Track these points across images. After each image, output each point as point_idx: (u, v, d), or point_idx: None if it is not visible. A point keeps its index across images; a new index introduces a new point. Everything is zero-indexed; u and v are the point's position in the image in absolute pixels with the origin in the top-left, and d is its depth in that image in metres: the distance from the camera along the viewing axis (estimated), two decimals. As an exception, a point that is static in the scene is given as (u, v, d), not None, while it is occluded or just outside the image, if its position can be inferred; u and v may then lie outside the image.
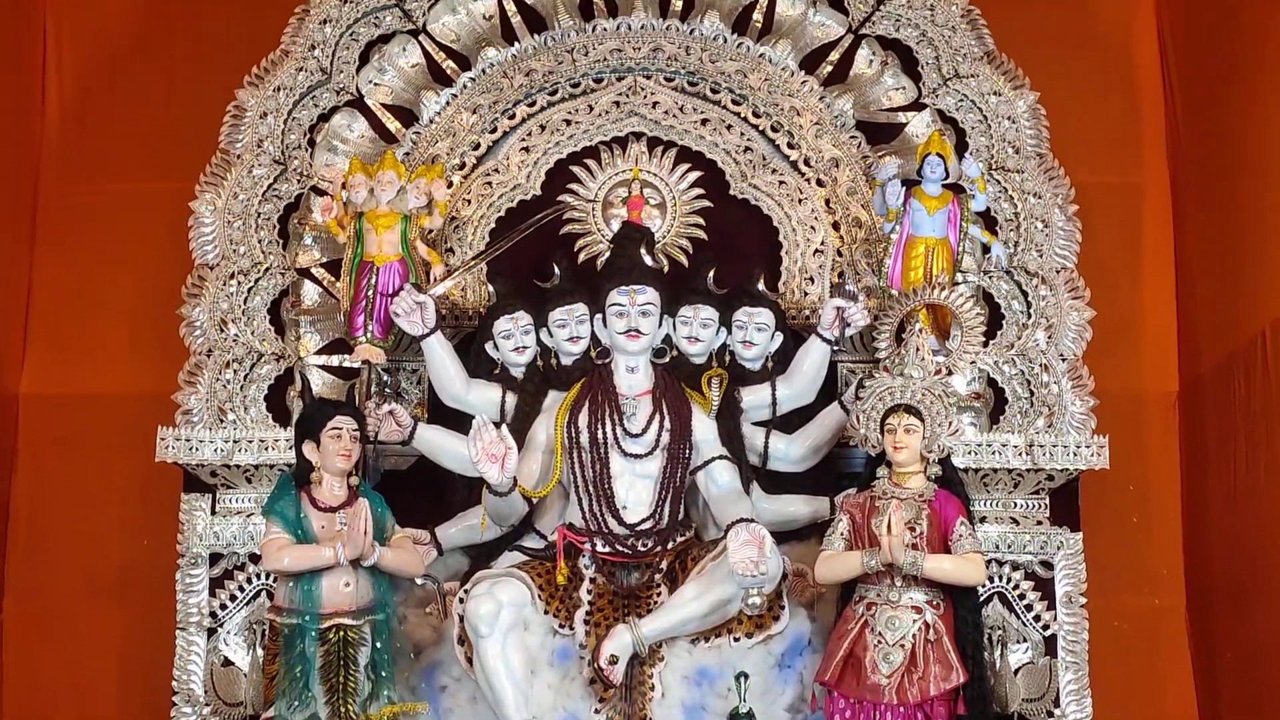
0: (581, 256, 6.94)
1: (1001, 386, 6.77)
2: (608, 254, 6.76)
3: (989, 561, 6.41)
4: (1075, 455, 6.52)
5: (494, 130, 7.04)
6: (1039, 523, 6.62)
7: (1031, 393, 6.73)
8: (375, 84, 7.06)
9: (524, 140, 7.02)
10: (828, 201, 6.95)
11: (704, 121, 7.01)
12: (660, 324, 6.46)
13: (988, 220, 6.81)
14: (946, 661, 5.84)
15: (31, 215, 7.63)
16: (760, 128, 7.01)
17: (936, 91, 6.99)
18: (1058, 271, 6.81)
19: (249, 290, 6.85)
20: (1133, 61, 7.62)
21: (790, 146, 7.00)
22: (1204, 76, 7.32)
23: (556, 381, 6.51)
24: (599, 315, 6.47)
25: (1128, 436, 7.09)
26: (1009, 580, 6.60)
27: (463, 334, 6.86)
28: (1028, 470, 6.52)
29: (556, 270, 6.70)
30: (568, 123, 7.03)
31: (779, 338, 6.62)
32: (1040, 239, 6.84)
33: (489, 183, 6.99)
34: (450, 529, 6.52)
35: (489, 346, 6.61)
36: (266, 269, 6.88)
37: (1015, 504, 6.62)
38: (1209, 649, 7.22)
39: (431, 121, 7.02)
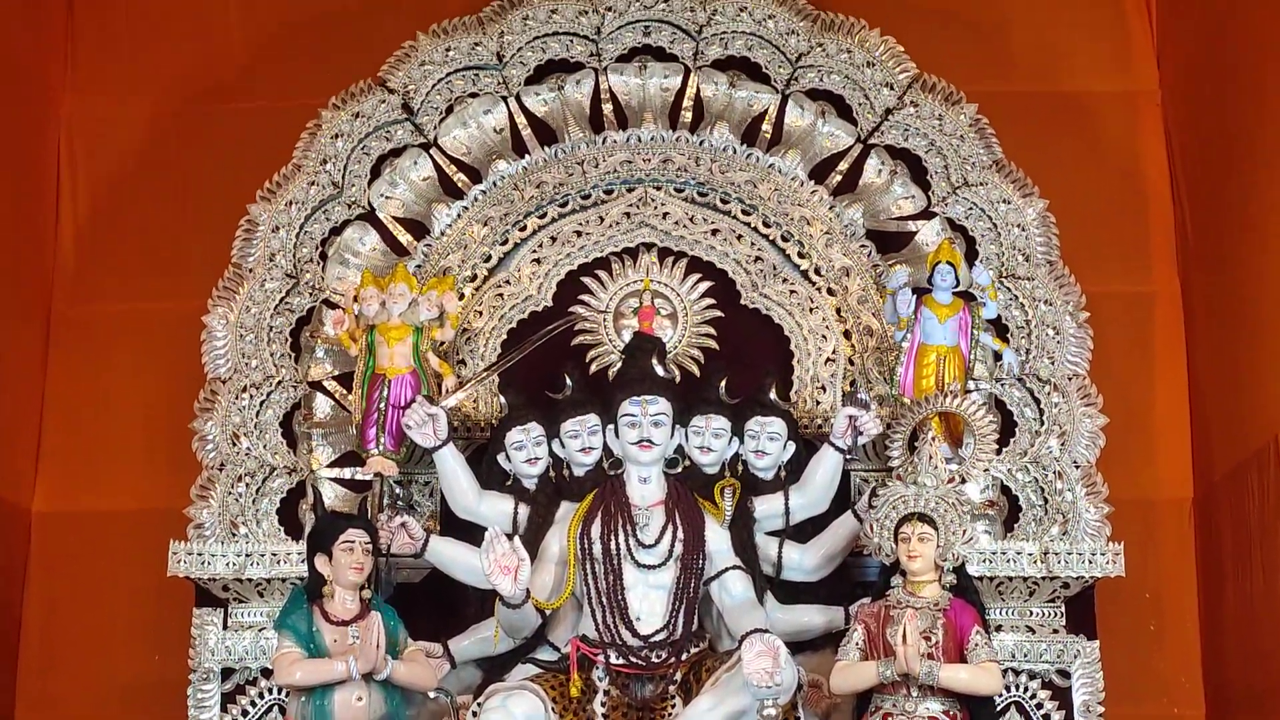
0: (593, 367, 6.95)
1: (1015, 494, 6.76)
2: (619, 365, 6.78)
3: (1005, 670, 6.39)
4: (1090, 563, 6.49)
5: (505, 242, 7.09)
6: (1055, 631, 6.59)
7: (1045, 500, 6.72)
8: (387, 197, 7.11)
9: (535, 252, 7.06)
10: (839, 310, 6.98)
11: (714, 232, 7.05)
12: (673, 434, 6.46)
13: (999, 328, 6.83)
14: (964, 772, 5.81)
15: (45, 332, 7.68)
16: (771, 237, 7.05)
17: (946, 200, 7.03)
18: (1070, 378, 6.82)
19: (261, 404, 6.87)
20: (1141, 170, 7.68)
21: (801, 256, 7.03)
22: (1212, 186, 7.37)
23: (569, 493, 6.50)
24: (611, 426, 6.46)
25: (1143, 543, 7.10)
26: (1026, 690, 6.57)
27: (475, 446, 6.87)
28: (1043, 578, 6.50)
29: (568, 381, 6.71)
30: (579, 234, 7.07)
31: (792, 447, 6.62)
32: (1052, 346, 6.85)
33: (500, 294, 7.03)
34: (463, 641, 6.49)
35: (501, 458, 6.62)
36: (279, 382, 6.90)
37: (1031, 612, 6.60)
38: (1229, 758, 7.18)
39: (443, 234, 7.07)
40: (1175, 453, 7.42)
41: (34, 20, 7.80)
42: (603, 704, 6.14)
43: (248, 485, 6.80)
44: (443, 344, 6.78)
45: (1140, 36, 7.84)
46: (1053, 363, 6.84)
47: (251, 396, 6.87)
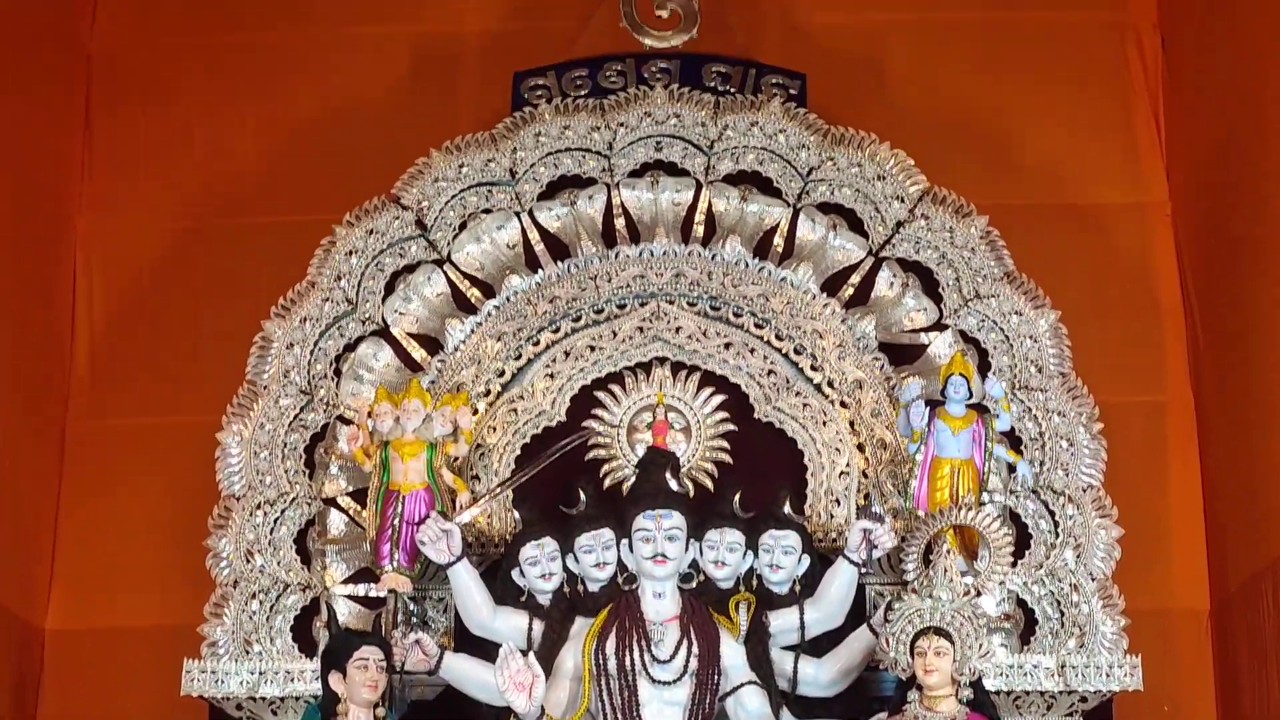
0: (607, 482, 6.95)
1: (1031, 607, 6.74)
2: (633, 479, 6.78)
3: (1024, 786, 6.37)
4: (1108, 676, 6.48)
5: (519, 357, 7.10)
6: (1074, 746, 6.58)
7: (1062, 613, 6.69)
8: (400, 313, 7.13)
9: (549, 367, 7.08)
10: (852, 423, 6.99)
11: (727, 345, 7.07)
12: (687, 548, 6.46)
13: (1012, 440, 6.82)
14: None
15: (59, 448, 7.71)
16: (783, 350, 7.07)
17: (958, 312, 7.05)
18: (1084, 490, 6.81)
19: (275, 520, 6.87)
20: (1152, 280, 7.72)
21: (813, 369, 7.05)
22: (1223, 295, 7.40)
23: (583, 608, 6.48)
24: (625, 541, 6.47)
25: (1160, 655, 7.05)
26: (1044, 806, 6.54)
27: (489, 561, 6.86)
28: (1060, 692, 6.48)
29: (582, 496, 6.71)
30: (592, 349, 7.09)
31: (806, 560, 6.60)
32: (1066, 458, 6.85)
33: (514, 409, 7.04)
34: (479, 760, 6.47)
35: (515, 573, 6.61)
36: (293, 499, 6.91)
37: (1049, 727, 6.58)
38: None
39: (456, 349, 7.09)
40: (1191, 563, 7.41)
41: (51, 136, 7.87)
42: (620, 822, 6.12)
43: (261, 602, 6.78)
44: (457, 459, 6.78)
45: (1149, 148, 7.91)
46: (1067, 474, 6.83)
47: (265, 513, 6.87)
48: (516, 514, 6.81)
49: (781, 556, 6.56)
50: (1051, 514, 6.81)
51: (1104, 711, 6.59)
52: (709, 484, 6.96)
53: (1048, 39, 8.01)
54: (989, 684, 6.26)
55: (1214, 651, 7.35)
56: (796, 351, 7.07)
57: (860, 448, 6.97)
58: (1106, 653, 6.59)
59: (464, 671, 6.37)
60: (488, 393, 7.07)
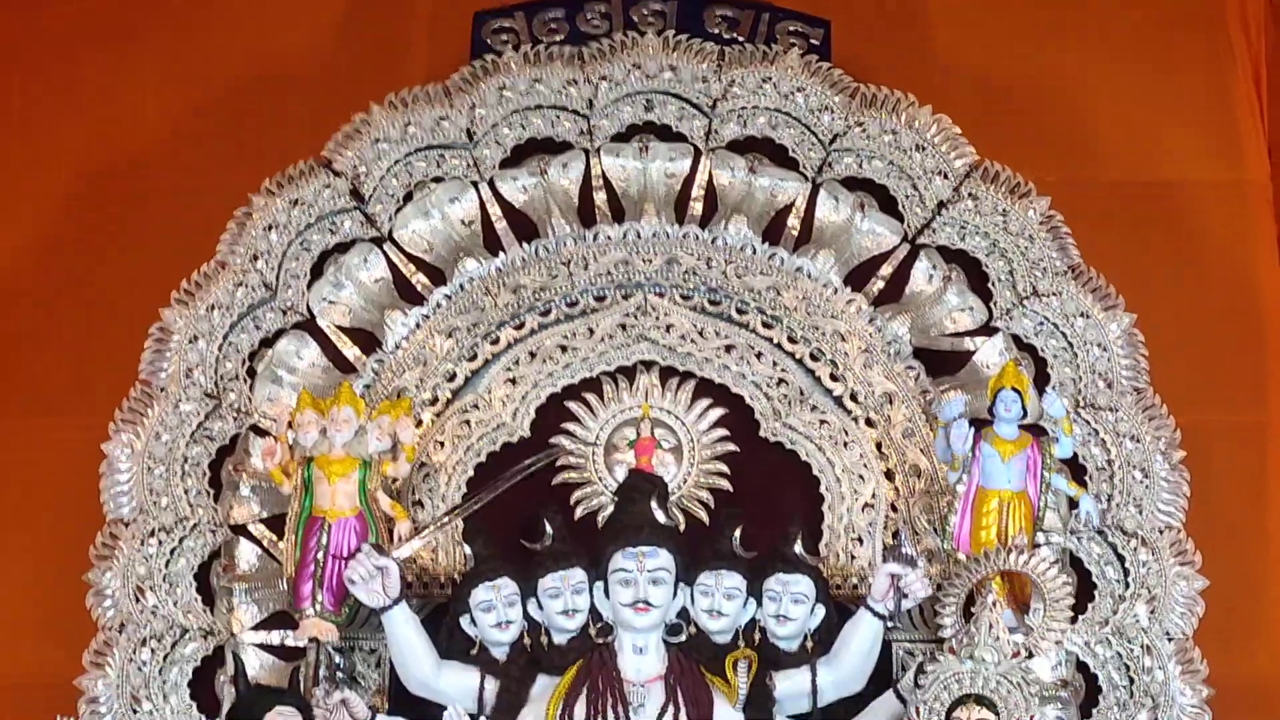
0: (579, 511, 6.96)
1: (1094, 672, 6.74)
2: (611, 509, 6.77)
3: None
4: (1187, 758, 6.50)
5: (473, 358, 7.10)
6: (1142, 845, 6.58)
7: (1131, 680, 6.70)
8: (330, 302, 7.14)
9: (510, 370, 7.08)
10: (879, 445, 6.99)
11: (728, 348, 7.07)
12: (675, 594, 6.46)
13: (1074, 469, 6.82)
14: None
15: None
16: (797, 356, 7.07)
17: (1011, 313, 7.06)
18: (1161, 531, 6.82)
19: (172, 551, 6.85)
20: (1250, 276, 7.69)
21: (834, 379, 7.05)
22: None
23: (547, 664, 6.48)
24: (600, 583, 6.46)
25: (1252, 734, 7.07)
26: None
27: (433, 605, 6.85)
28: (1128, 777, 6.49)
29: (548, 528, 6.69)
30: (563, 349, 7.10)
31: (820, 611, 6.60)
32: (1139, 492, 6.86)
33: (467, 421, 7.04)
34: None
35: (465, 621, 6.60)
36: (194, 526, 6.89)
37: (1113, 820, 6.57)
38: None
39: (398, 347, 7.09)
40: (1292, 623, 7.42)
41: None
42: None
43: (154, 651, 6.77)
44: (395, 481, 6.79)
45: (1248, 118, 7.90)
46: (1140, 512, 6.84)
47: (160, 542, 6.86)
48: (468, 549, 6.80)
49: (790, 606, 6.56)
50: (1121, 559, 6.82)
51: (1182, 801, 6.60)
52: (703, 516, 6.96)
53: (1126, -11, 8.03)
54: (1041, 765, 6.24)
55: (1318, 733, 7.36)
56: (813, 357, 7.08)
57: (889, 475, 6.97)
58: (1185, 729, 6.60)
59: (401, 740, 6.37)
60: (435, 401, 7.07)
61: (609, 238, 7.17)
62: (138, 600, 6.81)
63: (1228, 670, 6.87)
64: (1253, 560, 7.42)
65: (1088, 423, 6.92)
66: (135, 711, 6.70)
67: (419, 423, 6.95)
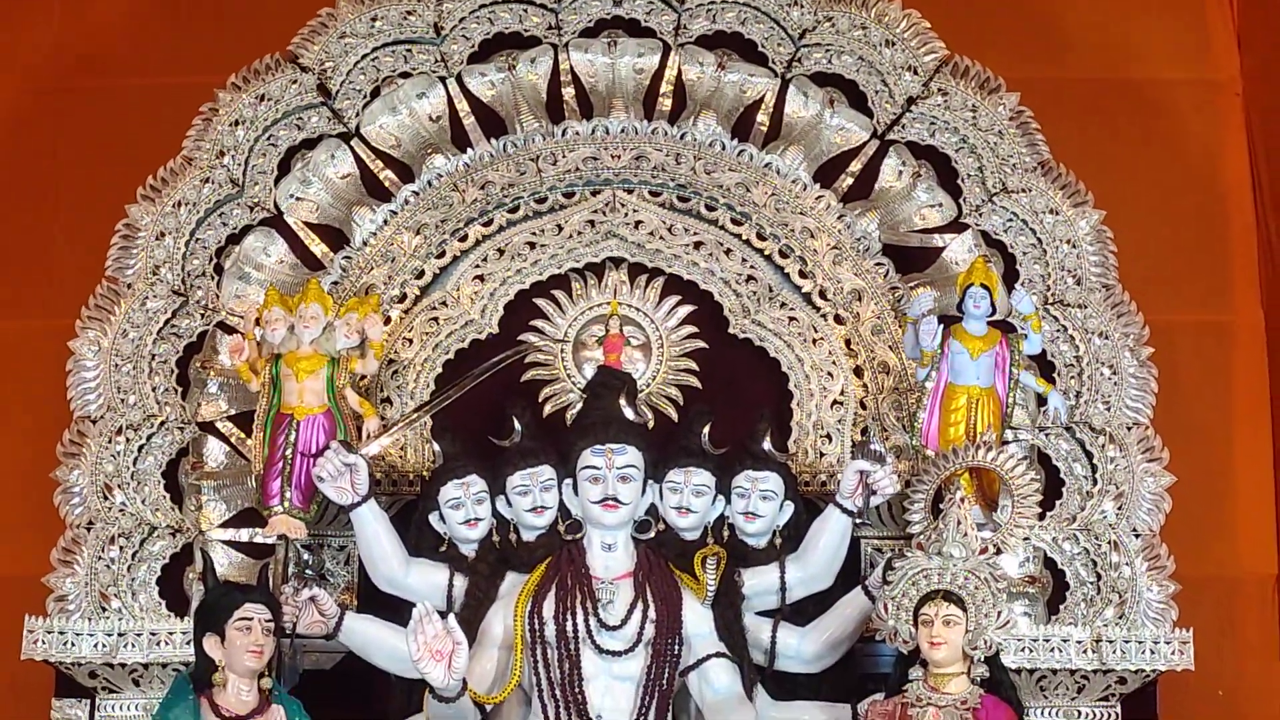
0: (547, 409, 6.98)
1: (1061, 568, 6.78)
2: (579, 406, 6.77)
3: (1048, 784, 6.41)
4: (1152, 653, 6.50)
5: (441, 255, 7.09)
6: (1109, 736, 6.61)
7: (1098, 576, 6.73)
8: (297, 198, 7.12)
9: (478, 267, 7.08)
10: (848, 342, 7.00)
11: (697, 245, 7.07)
12: (644, 491, 6.46)
13: (1043, 365, 6.84)
14: None
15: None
16: (766, 252, 7.07)
17: (980, 209, 7.06)
18: (1129, 428, 6.84)
19: (139, 449, 6.86)
20: (1219, 175, 7.73)
21: (803, 275, 7.05)
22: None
23: (516, 561, 6.49)
24: (569, 481, 6.46)
25: (1217, 630, 7.14)
26: (1073, 808, 6.59)
27: (402, 503, 6.87)
28: (1094, 671, 6.50)
29: (517, 425, 6.69)
30: (531, 246, 7.09)
31: (789, 508, 6.62)
32: (1108, 389, 6.88)
33: (435, 318, 7.04)
34: (385, 743, 6.48)
35: (434, 518, 6.60)
36: (161, 423, 6.89)
37: (1079, 713, 6.59)
38: None
39: (365, 244, 7.07)
40: (1257, 519, 7.45)
41: None
42: (554, 823, 6.14)
43: (122, 549, 6.77)
44: (364, 378, 6.78)
45: (1218, 18, 7.89)
46: (1108, 408, 6.87)
47: (128, 440, 6.86)
48: (436, 446, 6.78)
49: (759, 502, 6.57)
50: (1089, 456, 6.85)
51: (1146, 696, 6.64)
52: (672, 413, 6.98)
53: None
54: (1008, 660, 6.25)
55: (1283, 626, 7.42)
56: (782, 254, 7.07)
57: (858, 372, 6.98)
58: (1151, 625, 6.65)
59: (369, 636, 6.37)
60: (403, 298, 7.07)
61: (577, 134, 7.14)
62: (105, 498, 6.81)
63: (1194, 566, 6.92)
64: (1219, 457, 7.47)
65: (1056, 319, 6.94)
66: (104, 609, 6.70)
67: (387, 320, 6.95)
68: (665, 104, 7.17)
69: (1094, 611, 6.68)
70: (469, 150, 7.14)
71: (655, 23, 7.21)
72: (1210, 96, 7.80)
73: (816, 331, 7.00)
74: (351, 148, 7.15)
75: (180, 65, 7.67)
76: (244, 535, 6.86)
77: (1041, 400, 6.79)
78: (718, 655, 6.33)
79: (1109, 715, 6.60)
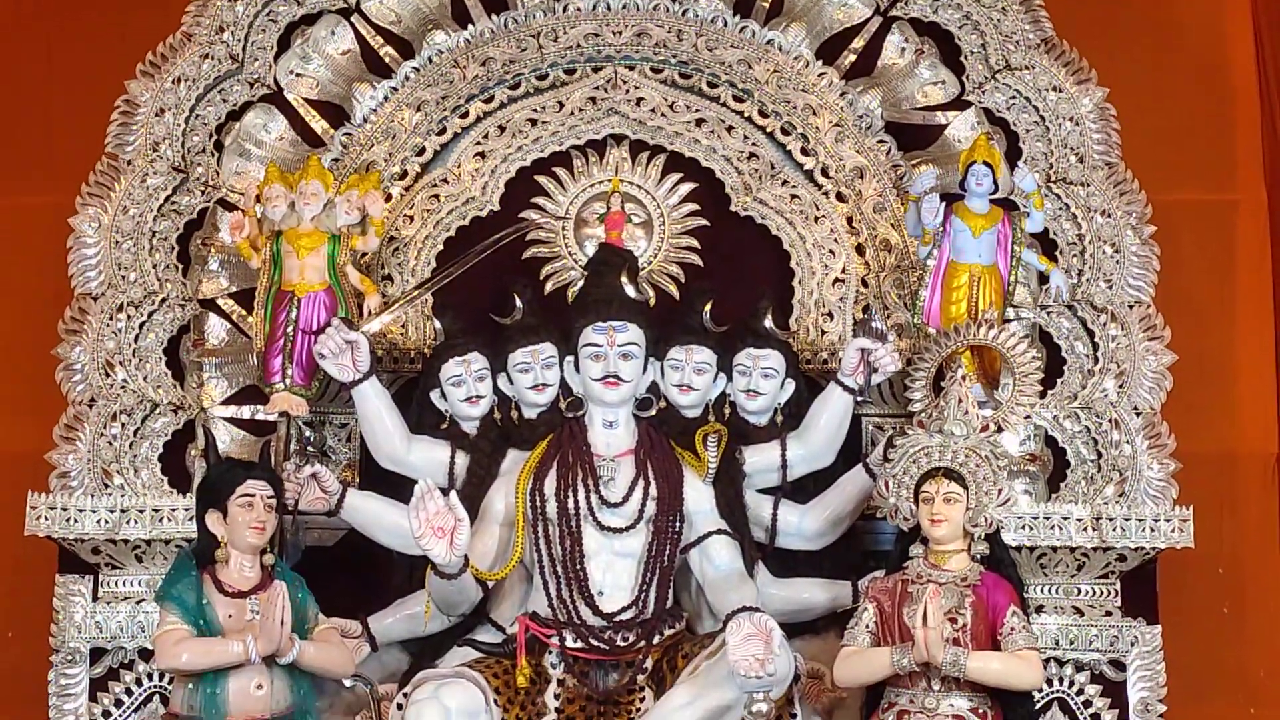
0: (549, 286, 6.98)
1: (1062, 446, 6.80)
2: (581, 283, 6.79)
3: (1047, 661, 6.45)
4: (1153, 531, 6.52)
5: (442, 131, 7.08)
6: (1108, 613, 6.63)
7: (1099, 454, 6.75)
8: (297, 75, 7.09)
9: (479, 144, 7.06)
10: (850, 220, 6.99)
11: (699, 122, 7.05)
12: (645, 369, 6.46)
13: (1045, 243, 6.84)
14: (995, 783, 5.84)
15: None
16: (768, 130, 7.05)
17: (983, 86, 7.04)
18: (1131, 306, 6.85)
19: (141, 326, 6.87)
20: (1223, 53, 7.68)
21: (805, 153, 7.04)
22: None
23: (517, 439, 6.51)
24: (570, 358, 6.46)
25: (1217, 508, 7.16)
26: (1071, 683, 6.62)
27: (403, 380, 6.89)
28: (1094, 549, 6.53)
29: (518, 303, 6.71)
30: (532, 123, 7.07)
31: (790, 386, 6.63)
32: (1110, 267, 6.88)
33: (436, 195, 7.03)
34: (387, 619, 6.48)
35: (436, 395, 6.62)
36: (162, 300, 6.90)
37: (1079, 590, 6.63)
38: (1316, 768, 7.24)
39: (366, 121, 7.05)
40: (1258, 398, 7.45)
41: None
42: (556, 696, 6.16)
43: (124, 425, 6.79)
44: (365, 255, 6.77)
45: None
46: (1110, 287, 6.86)
47: (129, 317, 6.87)
48: (437, 323, 6.80)
49: (760, 380, 6.58)
50: (1090, 334, 6.86)
51: (1146, 574, 6.66)
52: (674, 291, 6.98)
53: None
54: (1008, 538, 6.27)
55: (1284, 503, 7.44)
56: (784, 131, 7.05)
57: (859, 250, 6.98)
58: (1151, 503, 6.66)
59: (371, 513, 6.39)
60: (404, 175, 7.05)
61: (579, 10, 7.10)
62: (107, 375, 6.82)
63: (1195, 444, 6.92)
64: (1221, 336, 7.46)
65: (1059, 197, 6.93)
66: (106, 485, 6.72)
67: (388, 197, 6.93)
68: (667, -21, 7.15)
69: (1094, 489, 6.70)
70: (470, 26, 7.10)
71: (655, -103, 7.18)
72: (1216, -33, 7.78)
73: (818, 209, 6.99)
74: (352, 23, 7.11)
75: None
76: (246, 412, 6.88)
77: (1043, 278, 6.79)
78: (719, 532, 6.35)
79: (1109, 592, 6.63)
